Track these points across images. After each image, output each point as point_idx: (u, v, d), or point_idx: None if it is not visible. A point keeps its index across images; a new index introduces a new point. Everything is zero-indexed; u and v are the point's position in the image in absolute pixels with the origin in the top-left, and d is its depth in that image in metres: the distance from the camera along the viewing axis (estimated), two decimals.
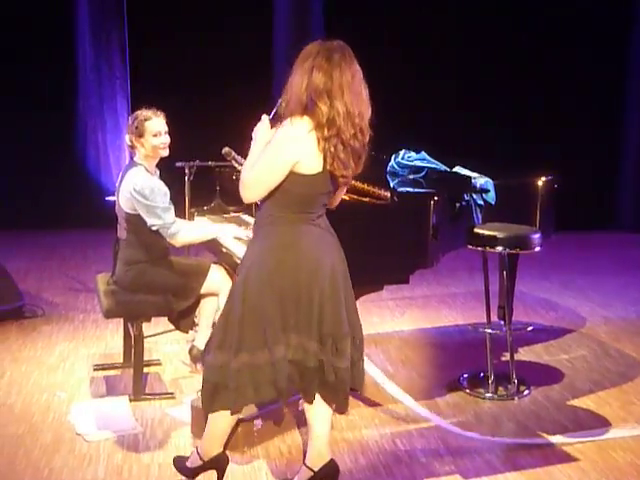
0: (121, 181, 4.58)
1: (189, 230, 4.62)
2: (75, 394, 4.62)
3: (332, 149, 3.26)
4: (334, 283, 3.41)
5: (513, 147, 8.53)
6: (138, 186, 4.44)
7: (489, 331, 4.79)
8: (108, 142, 9.01)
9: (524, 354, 5.36)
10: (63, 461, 3.86)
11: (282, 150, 3.29)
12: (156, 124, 4.54)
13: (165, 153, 4.60)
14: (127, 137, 4.61)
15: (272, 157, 3.30)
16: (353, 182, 4.62)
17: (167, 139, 4.58)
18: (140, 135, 4.54)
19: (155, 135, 4.53)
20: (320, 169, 3.29)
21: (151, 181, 4.49)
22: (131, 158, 4.75)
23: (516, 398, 4.67)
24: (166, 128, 4.59)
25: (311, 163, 3.28)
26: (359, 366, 3.55)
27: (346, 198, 4.57)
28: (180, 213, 4.95)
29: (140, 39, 8.94)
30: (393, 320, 6.11)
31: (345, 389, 3.48)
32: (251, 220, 4.96)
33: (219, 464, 3.62)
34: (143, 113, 4.57)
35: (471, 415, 4.46)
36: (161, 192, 4.48)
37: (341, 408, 3.55)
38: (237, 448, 3.94)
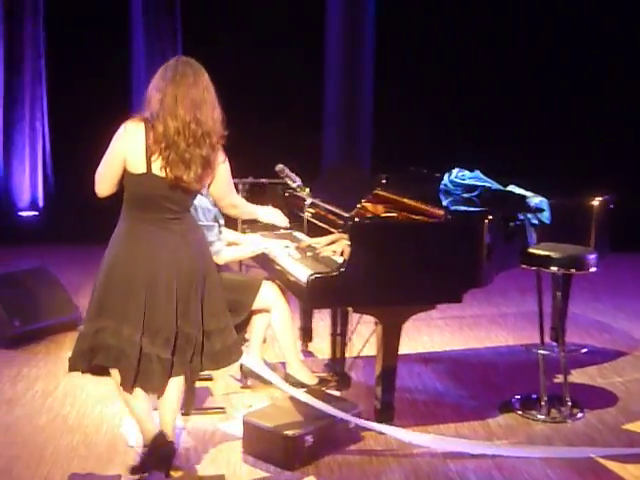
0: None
1: (232, 248, 4.66)
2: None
3: (165, 158, 3.58)
4: (166, 282, 3.67)
5: (569, 165, 8.44)
6: None
7: (542, 352, 4.74)
8: None
9: (577, 376, 5.28)
10: (115, 472, 3.90)
11: (112, 144, 3.69)
12: None
13: None
14: None
15: (107, 152, 3.72)
16: (406, 200, 4.64)
17: None
18: None
19: None
20: (144, 170, 3.62)
21: (197, 199, 4.51)
22: None
23: (569, 421, 4.60)
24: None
25: (135, 163, 3.63)
26: (193, 361, 3.79)
27: (399, 217, 4.59)
28: (233, 229, 4.99)
29: (194, 57, 9.02)
30: (443, 339, 6.08)
31: (161, 379, 3.73)
32: (303, 237, 4.99)
33: (156, 442, 3.78)
34: None
35: (523, 437, 4.40)
36: (204, 209, 4.51)
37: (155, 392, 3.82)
38: (287, 465, 3.95)
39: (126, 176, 3.68)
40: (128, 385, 3.72)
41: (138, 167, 3.63)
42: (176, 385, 3.84)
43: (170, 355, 3.71)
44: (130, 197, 3.72)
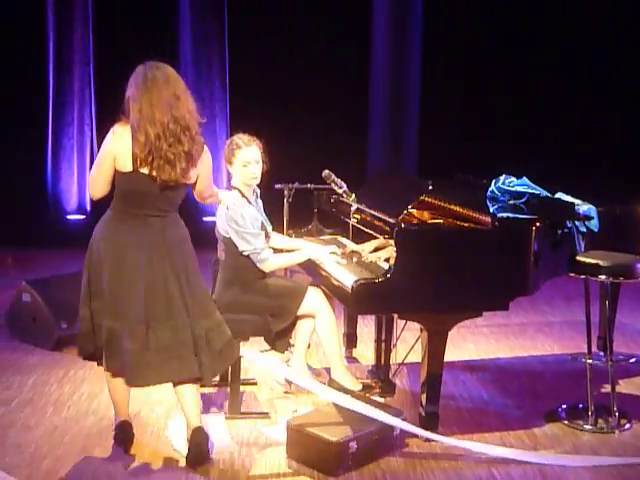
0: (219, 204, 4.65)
1: (278, 256, 4.68)
2: (172, 410, 4.68)
3: (150, 164, 3.80)
4: (134, 274, 3.89)
5: (618, 172, 8.35)
6: (231, 210, 4.51)
7: (590, 361, 4.68)
8: None
9: (625, 386, 5.20)
10: (161, 476, 3.93)
11: (102, 147, 3.91)
12: (246, 154, 4.57)
13: (253, 182, 4.63)
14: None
15: (98, 155, 3.95)
16: (453, 206, 4.62)
17: (256, 170, 4.58)
18: (230, 162, 4.61)
19: (244, 165, 4.57)
20: (131, 169, 3.83)
21: (242, 207, 4.54)
22: (228, 181, 4.82)
23: (617, 431, 4.54)
24: (257, 157, 4.58)
25: (124, 162, 3.84)
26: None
27: (445, 223, 4.56)
28: (279, 234, 5.01)
29: (240, 63, 9.08)
30: (488, 347, 6.03)
31: (132, 367, 3.91)
32: (349, 243, 4.99)
33: (123, 430, 4.14)
34: (236, 140, 4.61)
35: (569, 447, 4.35)
36: (251, 218, 4.53)
37: (128, 383, 4.03)
38: (331, 471, 3.94)
39: (116, 174, 3.91)
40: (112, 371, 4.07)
41: (126, 166, 3.85)
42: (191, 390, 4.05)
43: (139, 347, 3.89)
44: (119, 192, 3.96)
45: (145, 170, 3.83)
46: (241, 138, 4.61)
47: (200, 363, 3.97)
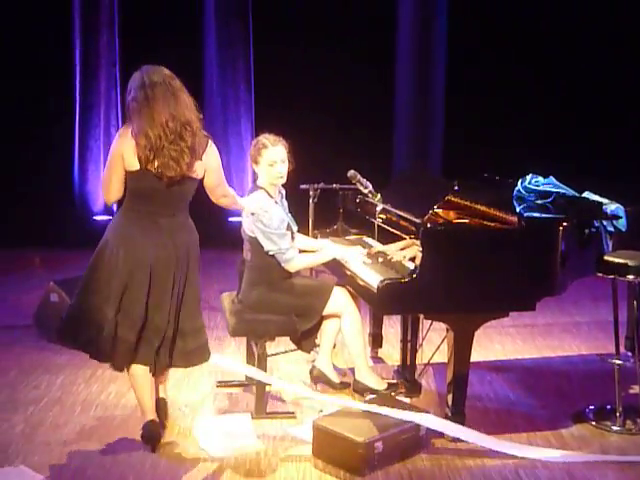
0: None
1: (304, 256, 4.69)
2: (199, 409, 4.71)
3: (154, 164, 3.95)
4: (145, 273, 4.04)
5: None
6: (257, 210, 4.53)
7: (617, 362, 4.64)
8: (232, 164, 9.20)
9: None
10: (188, 475, 3.95)
11: (111, 150, 4.08)
12: (272, 154, 4.58)
13: (279, 182, 4.65)
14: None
15: (108, 158, 4.10)
16: (479, 206, 4.60)
17: (282, 169, 4.59)
18: (256, 162, 4.62)
19: (271, 165, 4.58)
20: (138, 167, 3.97)
21: (268, 207, 4.55)
22: (254, 181, 4.84)
23: None
24: (283, 157, 4.59)
25: (130, 161, 3.98)
26: (160, 354, 4.15)
27: (471, 223, 4.55)
28: (304, 235, 5.02)
29: (265, 64, 9.10)
30: (515, 347, 6.00)
31: (124, 359, 4.10)
32: (374, 243, 4.99)
33: (149, 431, 4.16)
34: (262, 140, 4.62)
35: (597, 448, 4.32)
36: (278, 218, 4.54)
37: (114, 367, 4.21)
38: (357, 470, 3.95)
39: (126, 175, 4.05)
40: (99, 359, 4.21)
41: (134, 165, 4.00)
42: (144, 372, 4.19)
43: (134, 339, 4.06)
44: (129, 191, 4.10)
45: (151, 168, 3.97)
46: (267, 138, 4.62)
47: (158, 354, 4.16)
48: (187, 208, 4.19)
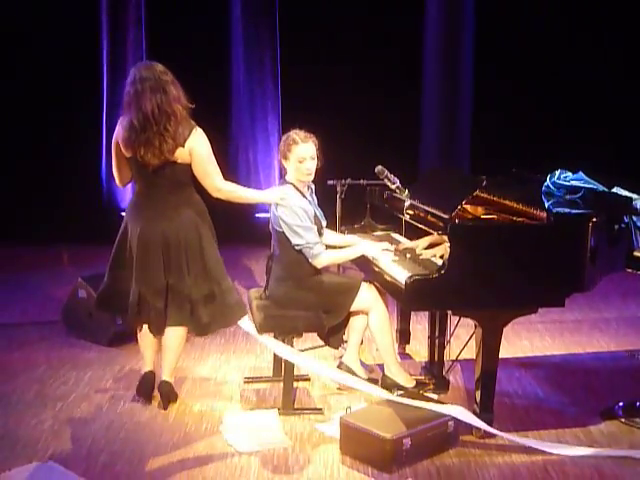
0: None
1: (331, 252, 4.67)
2: (227, 405, 4.72)
3: (140, 152, 4.39)
4: (142, 243, 4.51)
5: None
6: (283, 203, 4.52)
7: None
8: (259, 161, 9.22)
9: None
10: (216, 471, 3.96)
11: (113, 137, 4.60)
12: (302, 150, 4.57)
13: (308, 179, 4.64)
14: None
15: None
16: (507, 202, 4.57)
17: (311, 166, 4.60)
18: (285, 157, 4.62)
19: (300, 161, 4.57)
20: (129, 155, 4.46)
21: (296, 200, 4.55)
22: (282, 176, 4.83)
23: None
24: (313, 154, 4.59)
25: (124, 149, 4.48)
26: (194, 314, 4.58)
27: (499, 218, 4.52)
28: (331, 231, 5.01)
29: (292, 61, 9.10)
30: (543, 344, 5.96)
31: (157, 321, 4.58)
32: (402, 239, 4.97)
33: (145, 379, 4.69)
34: (292, 136, 4.61)
35: (627, 445, 4.28)
36: (304, 212, 4.53)
37: (156, 333, 4.68)
38: (385, 467, 3.94)
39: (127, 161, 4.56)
40: (131, 323, 4.74)
41: (127, 152, 4.48)
42: (174, 334, 4.61)
43: (162, 305, 4.52)
44: (133, 175, 4.60)
45: (138, 155, 4.41)
46: (297, 134, 4.61)
47: (196, 318, 4.58)
48: (184, 190, 4.54)
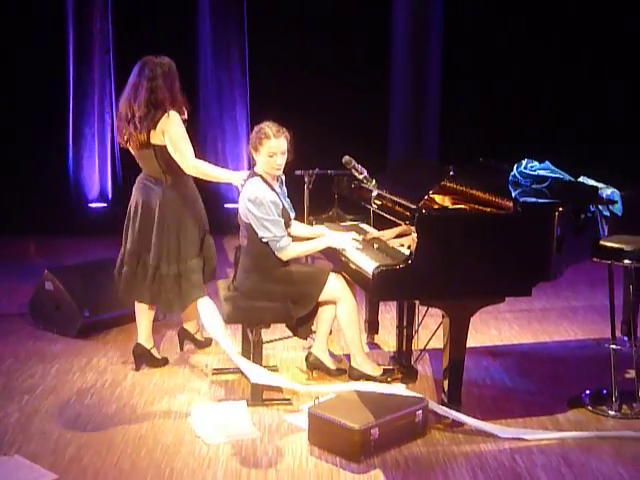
0: (241, 190, 4.66)
1: (297, 244, 4.66)
2: (195, 397, 4.70)
3: (124, 139, 4.92)
4: (137, 217, 4.99)
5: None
6: (252, 197, 4.51)
7: (614, 347, 4.64)
8: (227, 151, 9.17)
9: None
10: (183, 462, 3.94)
11: None
12: (273, 145, 4.54)
13: (277, 173, 4.63)
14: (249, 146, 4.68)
15: None
16: (475, 191, 4.59)
17: (281, 161, 4.58)
18: (256, 150, 4.59)
19: (270, 155, 4.55)
20: (123, 143, 4.98)
21: (263, 193, 4.53)
22: (251, 167, 4.81)
23: None
24: (284, 149, 4.57)
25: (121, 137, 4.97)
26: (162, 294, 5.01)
27: (467, 208, 4.53)
28: (299, 221, 4.99)
29: (260, 50, 9.05)
30: (511, 333, 5.99)
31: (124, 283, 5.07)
32: (370, 229, 4.97)
33: (135, 348, 5.12)
34: (265, 129, 4.57)
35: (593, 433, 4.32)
36: (271, 205, 4.51)
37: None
38: (354, 457, 3.94)
39: None
40: (117, 284, 5.14)
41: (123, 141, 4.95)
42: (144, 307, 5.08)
43: (133, 271, 5.00)
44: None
45: (127, 143, 4.91)
46: (270, 128, 4.56)
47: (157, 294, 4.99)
48: (169, 171, 4.89)
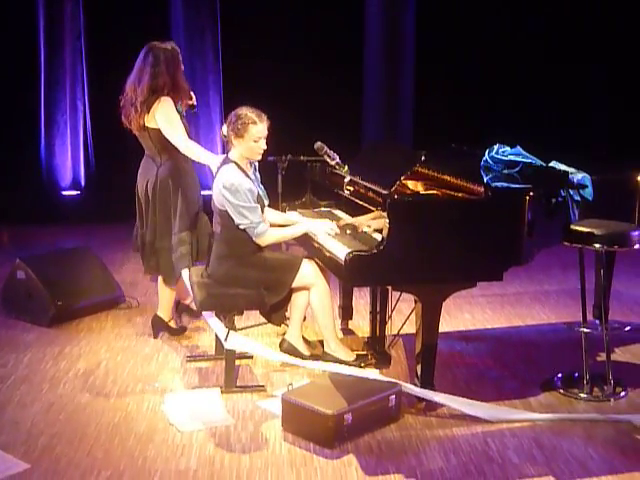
0: (215, 177, 4.64)
1: (275, 230, 4.66)
2: (168, 385, 4.69)
3: (127, 119, 5.18)
4: (140, 195, 5.31)
5: (612, 140, 8.31)
6: (227, 184, 4.48)
7: (585, 330, 4.68)
8: (201, 136, 9.12)
9: (620, 354, 5.21)
10: (157, 450, 3.94)
11: None
12: (260, 130, 4.53)
13: (258, 158, 4.63)
14: (225, 130, 4.62)
15: None
16: (447, 177, 4.60)
17: (264, 146, 4.59)
18: (240, 136, 4.55)
19: (255, 140, 4.54)
20: (128, 124, 5.22)
21: (239, 180, 4.51)
22: (225, 153, 4.79)
23: (612, 399, 4.55)
24: (266, 134, 4.59)
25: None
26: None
27: (439, 193, 4.54)
28: (272, 207, 4.98)
29: (233, 37, 9.01)
30: (484, 317, 6.02)
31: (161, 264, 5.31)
32: (343, 215, 4.97)
33: (153, 320, 5.44)
34: (250, 115, 4.53)
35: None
36: (247, 192, 4.50)
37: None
38: (327, 443, 3.96)
39: None
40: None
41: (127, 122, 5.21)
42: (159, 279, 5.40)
43: (141, 248, 5.33)
44: None
45: (130, 124, 5.14)
46: (253, 113, 4.54)
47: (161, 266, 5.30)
48: (164, 152, 5.13)
